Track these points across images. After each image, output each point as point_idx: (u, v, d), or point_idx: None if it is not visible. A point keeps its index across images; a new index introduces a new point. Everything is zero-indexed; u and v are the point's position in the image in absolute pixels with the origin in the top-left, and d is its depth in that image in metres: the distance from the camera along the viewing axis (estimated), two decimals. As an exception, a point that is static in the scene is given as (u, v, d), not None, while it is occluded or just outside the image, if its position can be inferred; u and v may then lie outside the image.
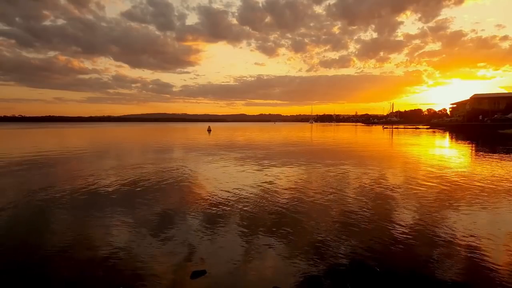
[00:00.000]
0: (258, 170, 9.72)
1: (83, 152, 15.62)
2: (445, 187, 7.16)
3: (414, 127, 64.14)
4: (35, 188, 7.24)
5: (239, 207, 5.65)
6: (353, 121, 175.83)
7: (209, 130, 43.57)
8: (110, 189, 7.06)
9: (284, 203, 5.89)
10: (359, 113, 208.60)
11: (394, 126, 71.98)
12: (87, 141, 24.79)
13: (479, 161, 11.95)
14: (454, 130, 42.68)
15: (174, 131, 49.48)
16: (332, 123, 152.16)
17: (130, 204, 5.90)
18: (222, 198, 6.25)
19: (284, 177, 8.52)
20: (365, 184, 7.59)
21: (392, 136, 32.92)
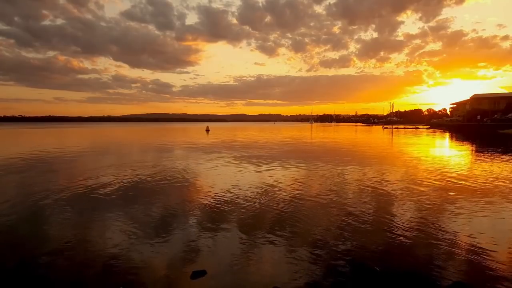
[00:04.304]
0: (258, 170, 9.72)
1: (84, 152, 15.62)
2: (445, 187, 7.15)
3: (414, 127, 64.12)
4: (35, 187, 7.24)
5: (239, 207, 5.64)
6: (353, 121, 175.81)
7: (207, 130, 43.63)
8: (109, 189, 7.06)
9: (284, 203, 5.89)
10: (359, 113, 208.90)
11: (394, 126, 71.93)
12: (88, 141, 24.80)
13: (479, 161, 11.95)
14: (454, 130, 42.68)
15: (173, 131, 49.49)
16: (332, 123, 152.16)
17: (129, 204, 5.90)
18: (222, 198, 6.24)
19: (284, 177, 8.52)
20: (366, 184, 7.59)
21: (392, 136, 32.93)
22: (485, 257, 3.58)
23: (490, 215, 5.11)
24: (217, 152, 15.48)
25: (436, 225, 4.61)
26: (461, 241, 4.04)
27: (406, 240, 4.08)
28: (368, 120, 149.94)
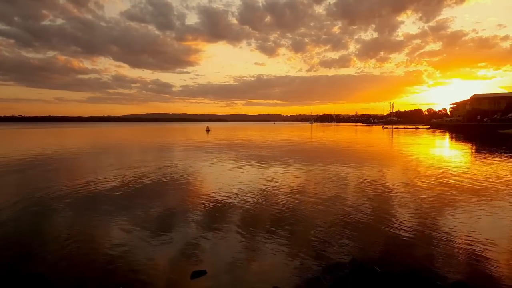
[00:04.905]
0: (257, 170, 9.71)
1: (85, 152, 15.62)
2: (445, 187, 7.15)
3: (414, 127, 64.08)
4: (36, 188, 7.24)
5: (239, 207, 5.64)
6: (353, 121, 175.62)
7: (207, 130, 43.61)
8: (110, 189, 7.06)
9: (284, 203, 5.89)
10: (359, 113, 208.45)
11: (394, 126, 71.85)
12: (89, 141, 24.80)
13: (479, 161, 11.95)
14: (454, 130, 42.67)
15: (174, 131, 49.50)
16: (332, 123, 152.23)
17: (130, 204, 5.90)
18: (222, 198, 6.24)
19: (284, 177, 8.51)
20: (366, 184, 7.59)
21: (392, 136, 32.92)
22: (485, 257, 3.58)
23: (490, 215, 5.11)
24: (217, 152, 15.47)
25: (437, 225, 4.61)
26: (462, 241, 4.04)
27: (407, 240, 4.08)
28: (368, 120, 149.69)
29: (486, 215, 5.10)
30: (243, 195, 6.48)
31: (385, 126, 75.11)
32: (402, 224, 4.68)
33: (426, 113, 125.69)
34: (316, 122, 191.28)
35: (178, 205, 5.84)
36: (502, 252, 3.71)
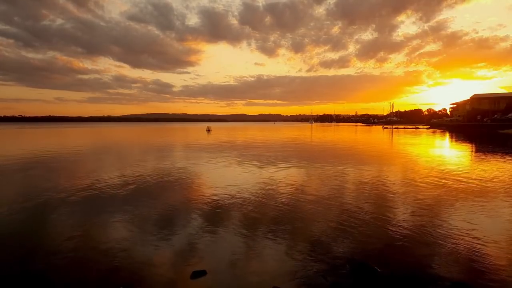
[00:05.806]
0: (258, 170, 9.72)
1: (85, 152, 15.62)
2: (445, 187, 7.15)
3: (414, 127, 64.06)
4: (36, 188, 7.24)
5: (240, 207, 5.64)
6: (353, 121, 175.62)
7: (208, 131, 43.57)
8: (110, 189, 7.06)
9: (285, 203, 5.89)
10: (359, 113, 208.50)
11: (394, 126, 71.84)
12: (89, 141, 24.79)
13: (479, 161, 11.94)
14: (454, 130, 42.66)
15: (174, 131, 49.50)
16: (332, 123, 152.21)
17: (130, 204, 5.89)
18: (222, 198, 6.25)
19: (284, 177, 8.52)
20: (366, 184, 7.59)
21: (392, 136, 32.90)
22: (485, 257, 3.58)
23: (490, 215, 5.11)
24: (219, 152, 15.48)
25: (437, 225, 4.61)
26: (462, 241, 4.03)
27: (407, 240, 4.08)
28: (368, 120, 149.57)
29: (486, 215, 5.10)
30: (244, 195, 6.48)
31: (385, 126, 75.09)
32: (402, 224, 4.68)
33: (426, 113, 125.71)
34: (316, 122, 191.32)
35: (179, 205, 5.84)
36: (502, 252, 3.71)
